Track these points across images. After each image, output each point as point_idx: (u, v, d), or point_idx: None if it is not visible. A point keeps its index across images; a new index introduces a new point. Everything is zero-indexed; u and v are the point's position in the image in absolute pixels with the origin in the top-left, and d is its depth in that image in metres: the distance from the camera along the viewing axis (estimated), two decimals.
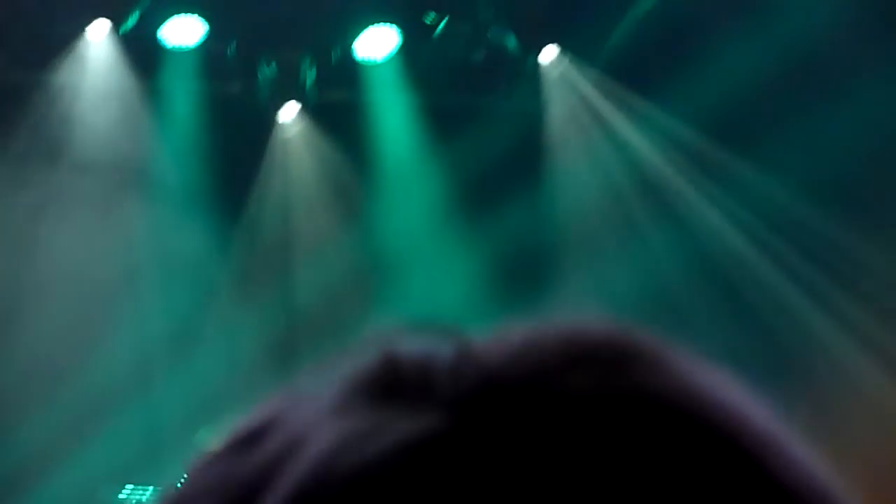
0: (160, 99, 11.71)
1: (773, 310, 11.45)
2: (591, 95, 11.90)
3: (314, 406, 0.84)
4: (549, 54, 11.68)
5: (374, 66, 11.72)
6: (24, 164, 11.57)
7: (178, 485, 0.85)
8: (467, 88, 11.98)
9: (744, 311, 11.30)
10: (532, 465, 0.79)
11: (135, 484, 10.78)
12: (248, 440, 0.83)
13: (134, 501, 10.54)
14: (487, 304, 11.16)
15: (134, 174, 11.83)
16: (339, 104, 11.93)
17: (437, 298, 11.56)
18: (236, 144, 11.71)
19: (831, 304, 12.37)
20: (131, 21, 11.28)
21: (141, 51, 11.37)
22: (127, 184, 11.77)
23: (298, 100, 11.96)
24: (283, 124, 12.10)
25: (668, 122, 11.61)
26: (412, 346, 0.86)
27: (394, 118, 11.92)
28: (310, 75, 11.83)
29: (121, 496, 10.65)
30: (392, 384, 0.83)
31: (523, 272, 11.56)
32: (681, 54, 11.21)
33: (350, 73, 11.79)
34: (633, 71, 11.63)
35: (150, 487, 10.60)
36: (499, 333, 0.89)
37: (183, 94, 11.75)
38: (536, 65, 11.75)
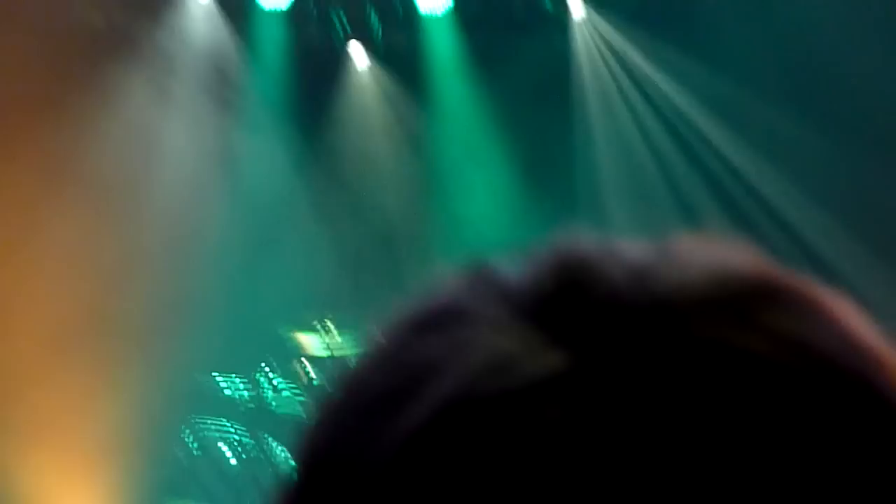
0: (255, 42, 12.78)
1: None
2: (610, 38, 12.71)
3: (488, 307, 0.86)
4: (575, 5, 12.63)
5: (432, 18, 12.66)
6: (146, 94, 12.40)
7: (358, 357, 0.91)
8: (510, 33, 12.71)
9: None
10: (659, 411, 0.81)
11: (222, 372, 11.11)
12: (425, 325, 0.87)
13: (227, 385, 10.84)
14: (523, 212, 12.07)
15: (233, 103, 12.65)
16: (402, 49, 12.84)
17: (483, 206, 12.41)
18: (316, 81, 12.69)
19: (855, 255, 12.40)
20: None
21: (235, 3, 12.62)
22: (227, 111, 12.57)
23: (367, 44, 12.95)
24: (354, 65, 13.07)
25: (673, 58, 12.31)
26: (574, 271, 0.87)
27: (448, 59, 12.77)
28: (376, 25, 12.72)
29: (217, 379, 10.96)
30: (548, 306, 0.85)
31: (554, 182, 12.38)
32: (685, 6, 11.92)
33: (411, 22, 12.73)
34: (643, 18, 12.41)
35: (237, 376, 10.93)
36: (642, 261, 0.89)
37: (273, 41, 12.78)
38: (566, 13, 12.64)
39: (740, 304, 0.87)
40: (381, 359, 0.88)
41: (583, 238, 0.90)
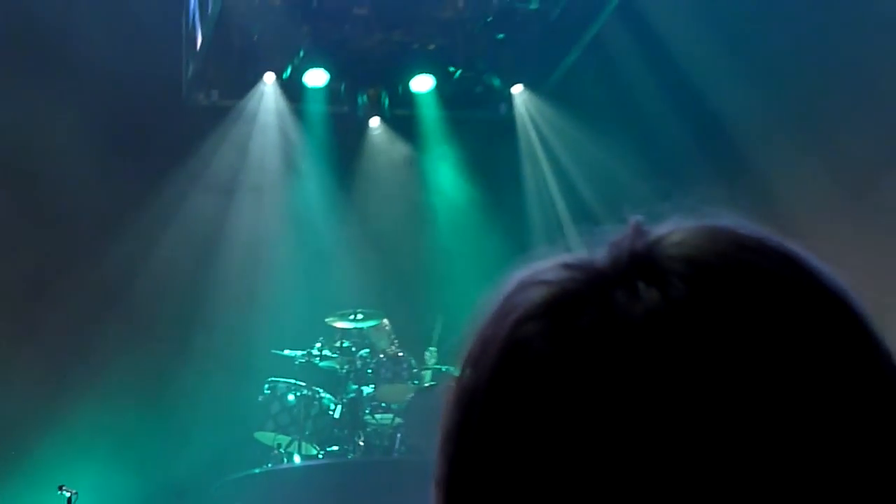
0: (303, 116, 12.96)
1: None
2: (544, 112, 13.14)
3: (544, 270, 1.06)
4: (517, 89, 13.20)
5: (422, 95, 13.03)
6: (224, 156, 12.46)
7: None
8: (472, 107, 13.40)
9: None
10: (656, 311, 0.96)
11: (288, 347, 11.42)
12: (526, 281, 1.05)
13: (291, 356, 11.31)
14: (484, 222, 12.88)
15: (288, 161, 12.87)
16: (403, 117, 13.27)
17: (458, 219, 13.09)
18: (345, 143, 13.08)
19: None
20: (287, 73, 12.61)
21: (293, 88, 12.75)
22: (285, 166, 12.90)
23: (380, 115, 13.28)
24: (371, 129, 13.48)
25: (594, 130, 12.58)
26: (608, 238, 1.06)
27: (433, 125, 13.23)
28: (385, 101, 13.07)
29: (284, 353, 11.32)
30: (586, 258, 1.05)
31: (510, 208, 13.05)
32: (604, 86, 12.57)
33: (409, 99, 13.12)
34: (568, 95, 12.88)
35: (298, 350, 11.33)
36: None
37: (315, 113, 12.96)
38: (510, 94, 13.24)
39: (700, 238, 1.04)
40: (501, 300, 1.09)
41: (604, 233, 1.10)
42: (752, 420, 0.94)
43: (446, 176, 13.61)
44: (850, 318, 1.01)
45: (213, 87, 12.91)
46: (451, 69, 13.07)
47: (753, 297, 0.98)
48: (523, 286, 1.07)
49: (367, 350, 11.50)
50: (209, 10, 11.71)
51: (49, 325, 11.33)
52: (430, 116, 13.35)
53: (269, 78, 12.86)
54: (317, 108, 13.08)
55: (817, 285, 1.02)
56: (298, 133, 13.15)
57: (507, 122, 13.61)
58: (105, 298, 11.59)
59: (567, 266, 1.06)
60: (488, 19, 12.41)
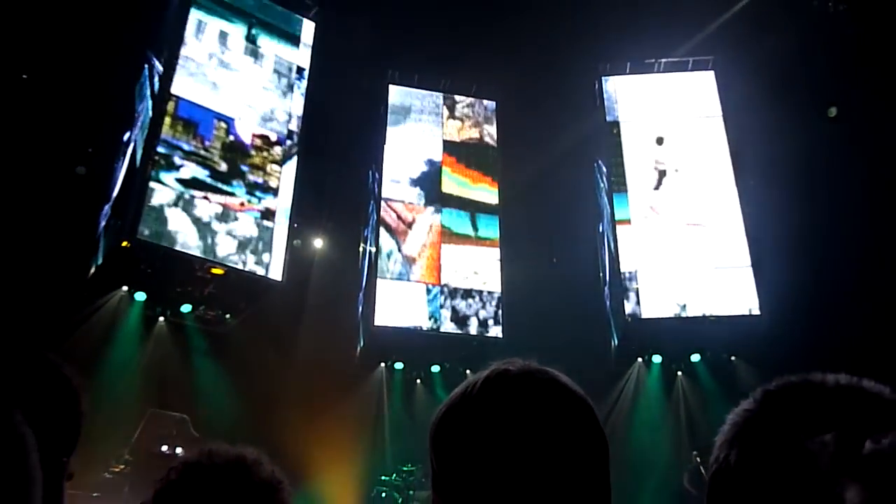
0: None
1: None
2: None
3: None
4: None
5: None
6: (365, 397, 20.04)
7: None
8: None
9: None
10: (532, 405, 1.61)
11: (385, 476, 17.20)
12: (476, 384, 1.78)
13: (386, 476, 16.94)
14: None
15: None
16: None
17: None
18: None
19: None
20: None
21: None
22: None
23: None
24: None
25: None
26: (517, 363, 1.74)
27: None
28: None
29: (383, 477, 17.18)
30: (506, 368, 1.74)
31: None
32: None
33: None
34: None
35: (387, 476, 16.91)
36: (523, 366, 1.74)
37: None
38: None
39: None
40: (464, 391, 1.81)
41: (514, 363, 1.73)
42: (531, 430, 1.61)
43: None
44: (576, 400, 1.74)
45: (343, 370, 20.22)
46: None
47: (538, 380, 1.75)
48: (480, 373, 1.84)
49: (412, 478, 17.83)
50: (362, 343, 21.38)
51: None
52: None
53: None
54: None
55: (569, 389, 1.77)
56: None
57: None
58: None
59: (503, 365, 1.85)
60: None
